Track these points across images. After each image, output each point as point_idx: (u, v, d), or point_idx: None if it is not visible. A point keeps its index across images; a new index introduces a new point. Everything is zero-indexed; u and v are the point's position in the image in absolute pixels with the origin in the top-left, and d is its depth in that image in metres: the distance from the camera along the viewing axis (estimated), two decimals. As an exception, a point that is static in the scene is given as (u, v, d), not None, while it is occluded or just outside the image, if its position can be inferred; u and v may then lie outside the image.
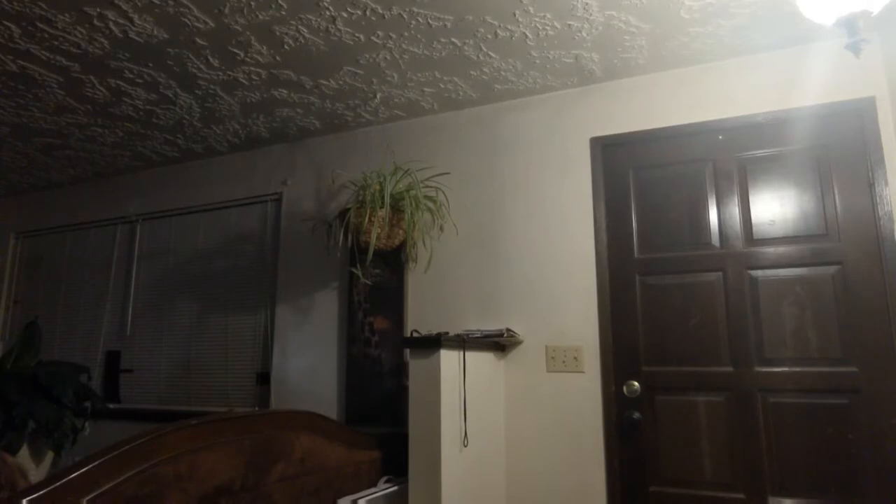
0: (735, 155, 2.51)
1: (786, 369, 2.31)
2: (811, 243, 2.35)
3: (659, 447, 2.42)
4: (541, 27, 2.33)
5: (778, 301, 2.36)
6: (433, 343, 2.20)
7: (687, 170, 2.58)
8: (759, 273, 2.40)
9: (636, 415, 2.46)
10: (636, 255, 2.59)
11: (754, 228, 2.43)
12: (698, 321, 2.44)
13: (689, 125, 2.59)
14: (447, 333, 2.35)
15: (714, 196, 2.52)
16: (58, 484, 1.50)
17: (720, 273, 2.45)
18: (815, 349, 2.28)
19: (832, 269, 2.31)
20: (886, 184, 2.27)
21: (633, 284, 2.57)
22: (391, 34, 2.37)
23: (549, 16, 2.26)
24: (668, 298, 2.51)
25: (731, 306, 2.41)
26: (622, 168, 2.69)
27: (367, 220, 2.66)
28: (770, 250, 2.40)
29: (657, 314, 2.51)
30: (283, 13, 2.23)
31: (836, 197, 2.34)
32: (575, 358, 2.58)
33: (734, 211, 2.48)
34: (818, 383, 2.26)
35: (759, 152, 2.48)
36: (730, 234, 2.47)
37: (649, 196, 2.62)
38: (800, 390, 2.28)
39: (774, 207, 2.42)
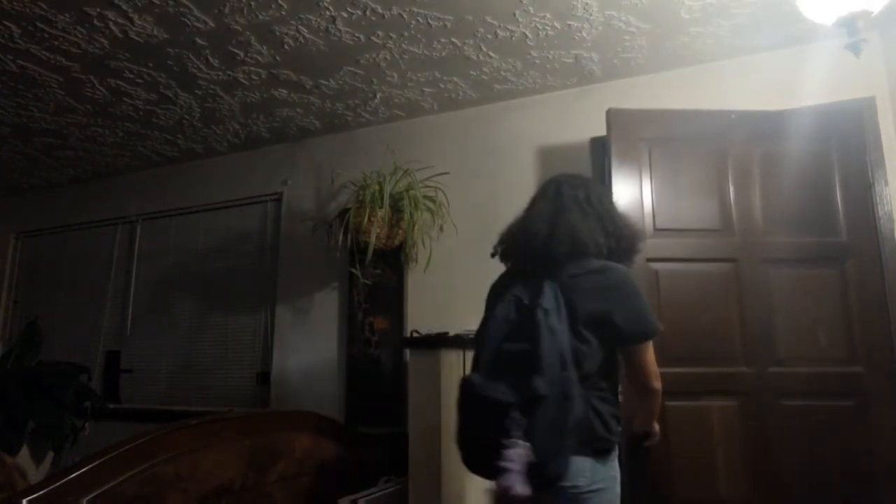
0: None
1: (786, 369, 2.29)
2: (811, 243, 2.32)
3: (657, 447, 2.40)
4: (541, 27, 2.33)
5: (779, 301, 2.33)
6: (433, 343, 2.20)
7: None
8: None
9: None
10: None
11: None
12: (710, 319, 2.41)
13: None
14: (447, 333, 2.35)
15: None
16: (58, 484, 1.50)
17: (726, 271, 2.43)
18: (815, 349, 2.26)
19: (832, 268, 2.29)
20: (886, 184, 2.26)
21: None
22: (391, 34, 2.37)
23: (549, 16, 2.26)
24: (666, 297, 2.49)
25: (731, 305, 2.39)
26: (622, 168, 2.68)
27: (366, 219, 2.66)
28: (769, 249, 2.38)
29: (656, 313, 2.49)
30: (283, 13, 2.23)
31: (836, 197, 2.33)
32: (575, 358, 2.57)
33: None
34: (821, 385, 2.19)
35: (759, 151, 2.45)
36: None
37: (649, 196, 2.61)
38: (804, 392, 2.24)
39: (774, 206, 2.39)
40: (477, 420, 1.38)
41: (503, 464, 1.27)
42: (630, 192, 2.34)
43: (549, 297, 1.41)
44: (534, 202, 1.70)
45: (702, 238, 2.34)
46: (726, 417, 2.19)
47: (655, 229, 2.33)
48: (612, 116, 2.40)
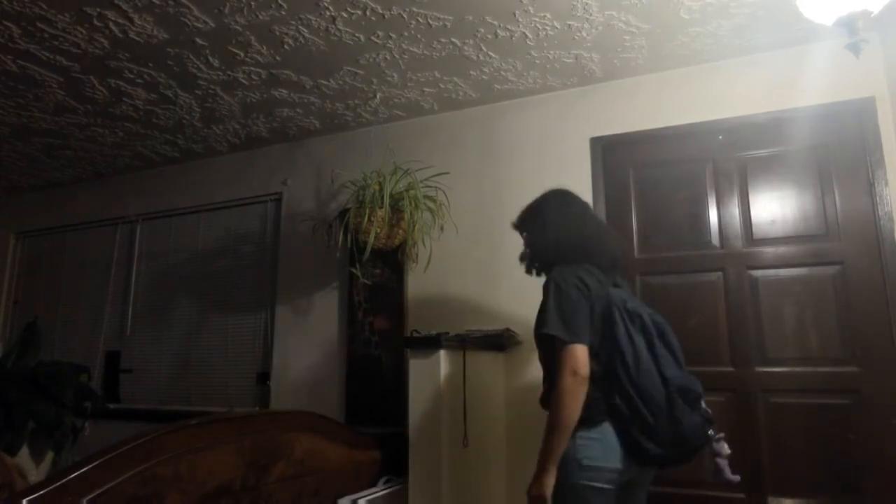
0: (735, 155, 2.51)
1: (787, 369, 2.31)
2: (811, 243, 2.34)
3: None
4: (541, 27, 2.33)
5: (778, 301, 2.35)
6: (433, 343, 2.20)
7: (687, 170, 2.57)
8: (759, 273, 2.39)
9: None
10: (636, 254, 2.59)
11: (754, 228, 2.43)
12: (698, 321, 2.44)
13: (690, 125, 2.58)
14: (447, 333, 2.35)
15: (714, 196, 2.52)
16: (57, 484, 1.50)
17: (720, 273, 2.45)
18: (815, 349, 2.28)
19: (832, 269, 2.30)
20: (886, 184, 2.27)
21: (633, 284, 2.56)
22: (391, 34, 2.37)
23: (549, 16, 2.26)
24: (668, 298, 2.50)
25: (731, 306, 2.41)
26: (622, 168, 2.68)
27: (366, 219, 2.66)
28: (770, 250, 2.40)
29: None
30: (283, 13, 2.23)
31: (836, 197, 2.34)
32: (575, 358, 2.57)
33: (734, 211, 2.48)
34: (819, 383, 2.25)
35: (759, 152, 2.48)
36: (730, 234, 2.47)
37: (649, 196, 2.62)
38: (801, 390, 2.28)
39: (774, 207, 2.42)
40: (684, 411, 1.49)
41: (721, 458, 1.53)
42: (619, 215, 2.65)
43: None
44: (575, 209, 1.88)
45: (688, 251, 2.52)
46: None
47: (645, 246, 2.61)
48: (596, 143, 2.72)
